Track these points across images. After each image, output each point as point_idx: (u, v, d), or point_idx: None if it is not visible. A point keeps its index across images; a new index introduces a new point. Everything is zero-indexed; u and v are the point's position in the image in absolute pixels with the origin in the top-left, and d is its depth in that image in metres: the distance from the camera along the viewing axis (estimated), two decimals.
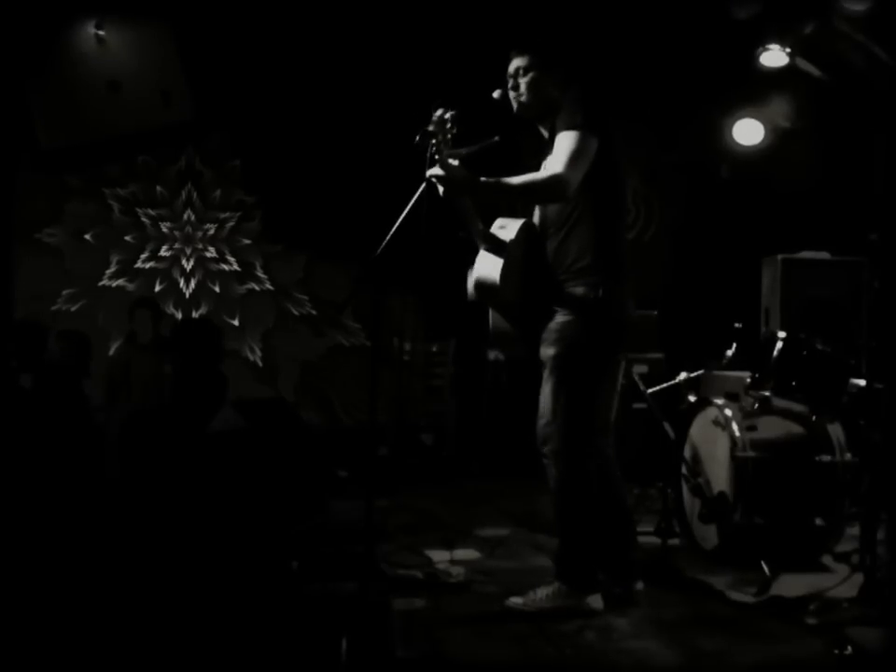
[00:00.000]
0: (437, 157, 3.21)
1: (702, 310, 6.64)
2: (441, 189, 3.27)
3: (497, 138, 3.43)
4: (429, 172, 3.23)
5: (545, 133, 3.57)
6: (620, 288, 3.46)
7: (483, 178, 3.29)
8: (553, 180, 3.30)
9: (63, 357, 5.60)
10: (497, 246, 3.41)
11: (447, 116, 3.21)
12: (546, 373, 3.46)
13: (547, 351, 3.45)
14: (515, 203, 3.51)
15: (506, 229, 3.46)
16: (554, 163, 3.31)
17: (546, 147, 3.54)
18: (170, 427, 4.61)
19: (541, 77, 3.49)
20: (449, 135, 3.22)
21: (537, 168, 3.61)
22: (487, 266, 3.39)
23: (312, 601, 3.53)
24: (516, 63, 3.51)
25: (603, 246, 3.44)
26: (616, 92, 3.77)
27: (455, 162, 3.26)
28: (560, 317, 3.43)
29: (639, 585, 3.58)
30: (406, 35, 6.51)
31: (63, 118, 6.28)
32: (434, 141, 3.20)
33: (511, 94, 3.52)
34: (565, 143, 3.31)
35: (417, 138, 3.21)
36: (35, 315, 6.48)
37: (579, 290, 3.41)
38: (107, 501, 4.25)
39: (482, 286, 3.40)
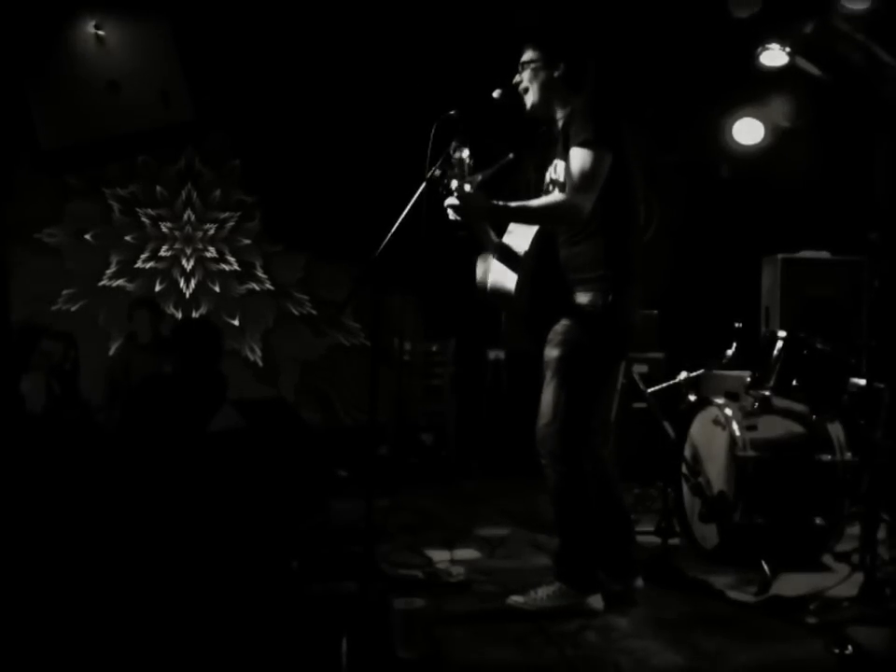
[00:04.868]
0: (453, 187, 3.25)
1: (702, 310, 6.63)
2: (456, 216, 3.31)
3: (511, 156, 3.46)
4: (446, 202, 3.28)
5: (558, 128, 3.54)
6: (629, 296, 3.45)
7: (498, 203, 3.32)
8: (569, 205, 3.32)
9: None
10: (511, 257, 3.42)
11: (464, 155, 3.25)
12: (549, 375, 3.46)
13: (551, 352, 3.45)
14: (530, 225, 3.53)
15: (519, 240, 3.46)
16: (568, 187, 3.32)
17: (555, 149, 3.53)
18: (171, 420, 4.61)
19: (543, 72, 3.47)
20: (466, 171, 3.27)
21: (539, 172, 3.63)
22: (502, 278, 3.42)
23: (312, 601, 3.54)
24: (523, 57, 3.52)
25: (615, 256, 3.43)
26: (620, 94, 3.77)
27: (469, 189, 3.27)
28: (566, 320, 3.44)
29: (639, 583, 3.59)
30: (406, 34, 6.51)
31: (63, 118, 6.27)
32: (454, 182, 3.26)
33: (521, 91, 3.52)
34: (579, 163, 3.30)
35: (436, 174, 3.25)
36: (35, 316, 6.48)
37: (588, 297, 3.41)
38: (107, 501, 4.24)
39: (496, 295, 3.43)
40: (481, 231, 3.50)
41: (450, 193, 3.28)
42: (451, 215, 3.32)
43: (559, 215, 3.39)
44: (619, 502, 3.63)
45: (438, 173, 3.27)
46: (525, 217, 3.43)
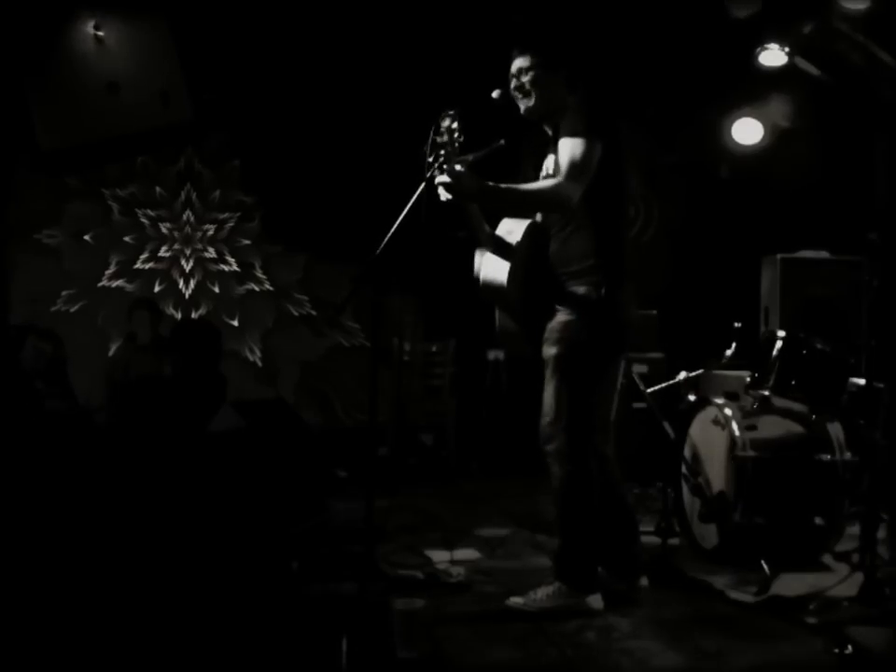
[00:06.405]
0: (444, 165, 3.23)
1: (702, 310, 6.64)
2: (447, 195, 3.28)
3: (502, 141, 3.45)
4: (437, 179, 3.25)
5: (549, 132, 3.56)
6: (621, 289, 3.46)
7: (489, 184, 3.30)
8: (556, 192, 3.32)
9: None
10: (503, 249, 3.42)
11: (454, 125, 3.24)
12: (548, 373, 3.46)
13: (549, 350, 3.45)
14: (518, 211, 3.52)
15: (512, 232, 3.47)
16: (558, 175, 3.33)
17: (549, 148, 3.53)
18: (171, 421, 4.61)
19: (544, 75, 3.47)
20: (456, 143, 3.25)
21: (536, 172, 3.62)
22: (494, 269, 3.41)
23: (312, 601, 3.53)
24: (518, 62, 3.49)
25: (605, 248, 3.44)
26: (617, 92, 3.78)
27: (460, 169, 3.27)
28: (562, 317, 3.44)
29: (643, 581, 3.59)
30: (406, 35, 6.51)
31: (63, 119, 6.27)
32: (442, 151, 3.23)
33: (516, 95, 3.51)
34: (568, 152, 3.31)
35: (426, 148, 3.23)
36: (34, 317, 6.48)
37: (581, 290, 3.42)
38: (107, 502, 4.25)
39: (488, 288, 3.42)
40: (474, 219, 3.50)
41: (441, 171, 3.25)
42: (441, 193, 3.29)
43: (547, 199, 3.39)
44: (623, 501, 3.64)
45: (427, 147, 3.25)
46: (514, 199, 3.41)
